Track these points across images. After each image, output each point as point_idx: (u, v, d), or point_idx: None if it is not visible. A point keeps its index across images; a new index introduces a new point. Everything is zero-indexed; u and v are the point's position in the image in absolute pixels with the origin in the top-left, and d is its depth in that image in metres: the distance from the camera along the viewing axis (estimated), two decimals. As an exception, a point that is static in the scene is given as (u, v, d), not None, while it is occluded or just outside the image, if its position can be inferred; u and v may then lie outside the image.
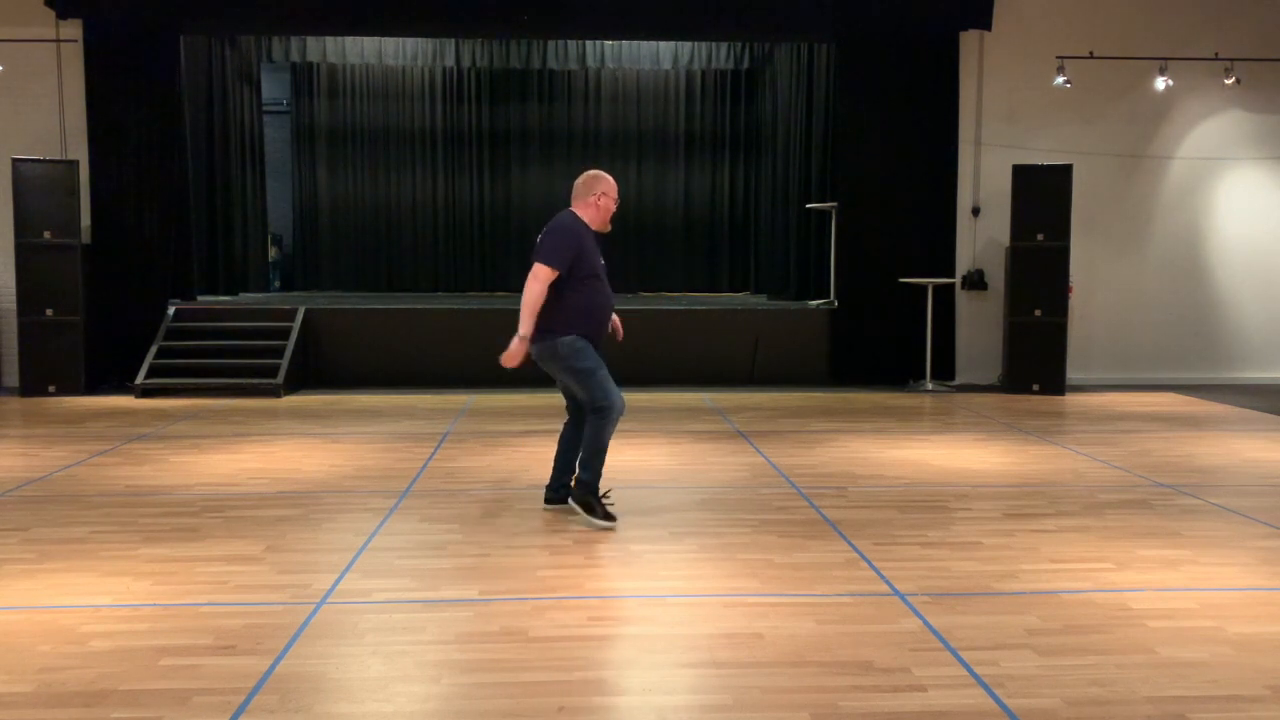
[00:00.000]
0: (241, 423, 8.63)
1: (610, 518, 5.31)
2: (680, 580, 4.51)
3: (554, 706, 3.24)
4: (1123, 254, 11.57)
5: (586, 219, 5.29)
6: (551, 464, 5.69)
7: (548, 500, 5.64)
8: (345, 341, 10.95)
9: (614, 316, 5.51)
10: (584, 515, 5.33)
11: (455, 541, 5.07)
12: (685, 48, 14.67)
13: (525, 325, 5.08)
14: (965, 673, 3.49)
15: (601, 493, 5.43)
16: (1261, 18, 11.38)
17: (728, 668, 3.53)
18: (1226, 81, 11.05)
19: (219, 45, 12.90)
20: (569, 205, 5.39)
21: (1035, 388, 10.55)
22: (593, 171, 5.43)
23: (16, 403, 9.83)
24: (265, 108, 14.97)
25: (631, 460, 7.01)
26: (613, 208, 5.33)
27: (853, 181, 11.15)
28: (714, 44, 14.55)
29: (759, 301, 13.01)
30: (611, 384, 5.26)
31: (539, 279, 5.08)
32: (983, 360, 11.34)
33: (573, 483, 5.44)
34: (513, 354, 5.10)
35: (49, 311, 10.25)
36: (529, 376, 9.97)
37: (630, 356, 11.00)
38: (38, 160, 10.30)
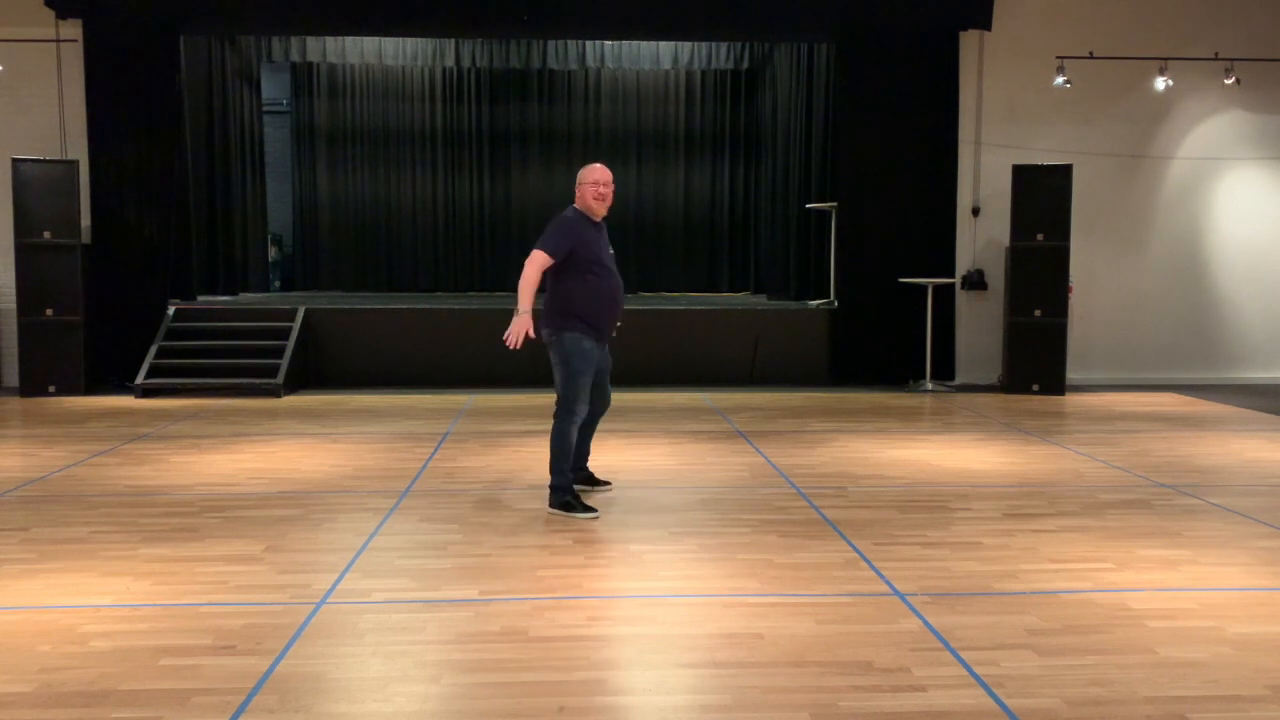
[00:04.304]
0: (241, 423, 8.63)
1: (590, 509, 5.54)
2: (680, 580, 4.51)
3: (554, 706, 3.24)
4: (1123, 254, 11.57)
5: (584, 210, 5.62)
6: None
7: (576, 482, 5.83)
8: (345, 341, 10.95)
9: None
10: (565, 515, 5.53)
11: (455, 541, 5.07)
12: (685, 48, 14.65)
13: (523, 302, 5.32)
14: (965, 673, 3.49)
15: (598, 486, 5.92)
16: (1261, 18, 11.38)
17: (728, 668, 3.53)
18: (1226, 81, 11.05)
19: (219, 45, 12.89)
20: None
21: (1035, 388, 10.55)
22: (585, 166, 5.75)
23: (16, 403, 9.83)
24: (265, 108, 14.97)
25: (631, 460, 7.01)
26: (600, 192, 5.57)
27: (853, 181, 11.14)
28: (714, 44, 14.53)
29: (759, 301, 13.00)
30: (588, 393, 5.56)
31: (534, 262, 5.39)
32: (983, 360, 11.33)
33: (548, 488, 5.68)
34: (513, 332, 5.28)
35: (49, 311, 10.24)
36: (529, 376, 10.10)
37: (630, 356, 11.10)
38: (38, 160, 10.29)
